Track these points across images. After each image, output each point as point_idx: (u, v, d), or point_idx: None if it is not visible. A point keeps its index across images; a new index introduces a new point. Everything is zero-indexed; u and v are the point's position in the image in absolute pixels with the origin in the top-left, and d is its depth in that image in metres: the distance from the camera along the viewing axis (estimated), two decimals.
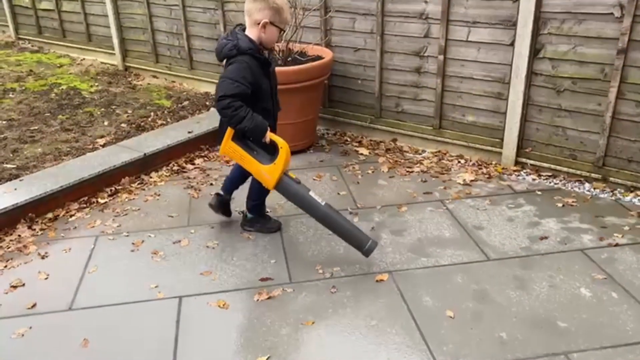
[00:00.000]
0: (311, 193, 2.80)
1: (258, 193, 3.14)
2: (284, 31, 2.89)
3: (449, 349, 2.33)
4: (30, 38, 7.49)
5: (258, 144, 2.79)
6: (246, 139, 2.77)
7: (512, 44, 3.65)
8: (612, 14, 3.26)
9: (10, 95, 5.44)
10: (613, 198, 3.48)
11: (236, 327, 2.49)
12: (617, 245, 3.00)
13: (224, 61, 2.77)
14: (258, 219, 3.25)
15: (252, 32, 2.74)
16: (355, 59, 4.41)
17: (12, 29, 7.65)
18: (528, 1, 3.47)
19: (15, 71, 6.26)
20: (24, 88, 5.66)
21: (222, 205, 3.27)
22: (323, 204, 2.78)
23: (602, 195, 3.52)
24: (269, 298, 2.66)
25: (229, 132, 2.74)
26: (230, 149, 2.77)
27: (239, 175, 3.20)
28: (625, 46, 3.26)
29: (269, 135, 2.75)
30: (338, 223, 2.81)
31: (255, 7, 2.70)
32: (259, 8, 2.68)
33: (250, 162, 2.77)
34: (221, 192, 3.26)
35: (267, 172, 2.74)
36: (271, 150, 2.77)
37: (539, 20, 3.51)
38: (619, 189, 3.54)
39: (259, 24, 2.69)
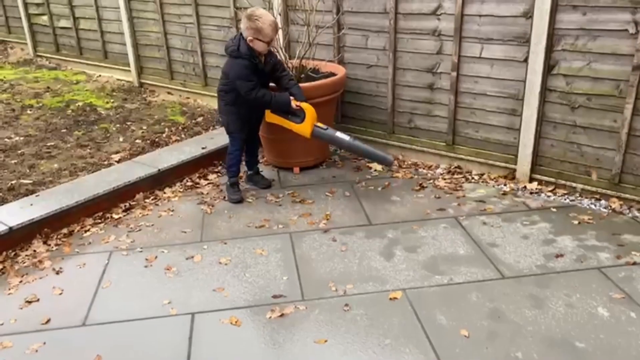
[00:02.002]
0: (337, 133, 3.73)
1: (229, 158, 3.83)
2: (271, 41, 3.52)
3: None
4: (48, 55, 7.63)
5: (288, 111, 3.71)
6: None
7: (525, 61, 3.65)
8: (626, 30, 3.25)
9: (28, 112, 5.53)
10: (630, 215, 3.44)
11: (248, 344, 2.48)
12: (635, 263, 2.95)
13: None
14: (229, 187, 3.85)
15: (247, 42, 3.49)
16: (368, 75, 4.43)
17: (30, 46, 7.81)
18: (541, 18, 3.47)
19: (33, 88, 6.38)
20: (41, 105, 5.75)
21: (248, 179, 4.07)
22: (347, 138, 3.71)
23: (618, 213, 3.47)
24: (281, 315, 2.65)
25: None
26: (272, 118, 3.77)
27: (247, 151, 3.99)
28: None
29: (294, 103, 3.63)
30: (361, 149, 3.79)
31: (243, 26, 3.47)
32: (245, 27, 3.45)
33: (287, 124, 3.72)
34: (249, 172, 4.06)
35: (302, 128, 3.67)
36: (300, 113, 3.67)
37: (552, 36, 3.50)
38: (636, 206, 3.49)
39: (249, 40, 3.45)
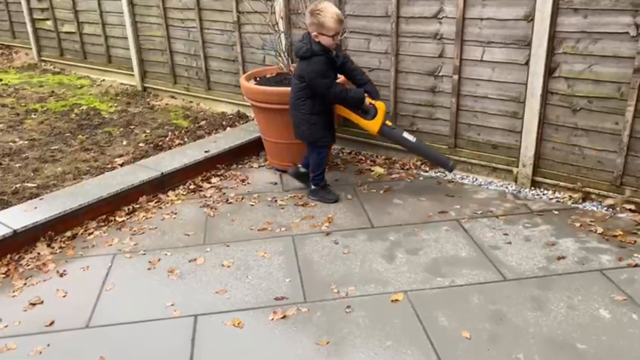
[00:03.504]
0: (404, 134, 3.78)
1: (316, 166, 3.80)
2: (337, 35, 3.45)
3: None
4: (53, 60, 7.68)
5: (361, 108, 3.71)
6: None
7: (526, 64, 3.66)
8: (627, 32, 3.26)
9: (33, 116, 5.57)
10: (632, 217, 3.44)
11: (251, 346, 2.49)
12: (636, 265, 2.96)
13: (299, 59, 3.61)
14: (319, 190, 3.82)
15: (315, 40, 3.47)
16: (371, 78, 4.43)
17: (35, 51, 7.86)
18: (542, 21, 3.48)
19: (37, 92, 6.42)
20: (45, 109, 5.79)
21: (297, 175, 3.98)
22: (413, 140, 3.78)
23: (620, 215, 3.48)
24: (283, 317, 2.66)
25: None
26: (343, 112, 3.76)
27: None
28: None
29: (368, 101, 3.65)
30: (424, 151, 3.88)
31: (307, 22, 3.48)
32: (309, 23, 3.45)
33: (356, 118, 3.73)
34: (299, 165, 3.97)
35: (371, 125, 3.70)
36: (371, 110, 3.69)
37: (553, 39, 3.51)
38: (637, 209, 3.49)
39: (314, 35, 3.44)
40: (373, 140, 4.57)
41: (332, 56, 3.51)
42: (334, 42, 3.48)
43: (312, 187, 3.84)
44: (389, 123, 3.75)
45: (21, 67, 7.71)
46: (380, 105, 3.69)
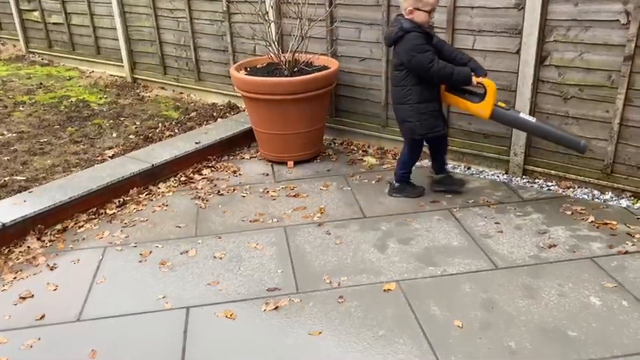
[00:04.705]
0: (521, 114, 3.32)
1: (405, 163, 3.66)
2: (433, 11, 3.27)
3: (458, 358, 2.31)
4: (40, 51, 7.59)
5: (465, 89, 3.40)
6: (456, 87, 3.40)
7: (518, 52, 3.65)
8: (618, 20, 3.25)
9: (21, 108, 5.51)
10: (622, 205, 3.46)
11: (243, 337, 2.49)
12: (627, 252, 2.98)
13: (392, 47, 3.40)
14: (405, 186, 3.68)
15: (407, 18, 3.26)
16: (361, 68, 4.43)
17: (22, 42, 7.76)
18: (533, 9, 3.47)
19: (25, 84, 6.34)
20: (34, 101, 5.73)
21: (438, 183, 3.75)
22: (533, 120, 3.31)
23: (611, 203, 3.49)
24: (275, 308, 2.65)
25: (443, 87, 3.41)
26: (449, 99, 3.45)
27: (433, 153, 3.73)
28: (632, 53, 3.24)
29: (475, 79, 3.27)
30: (550, 132, 3.34)
31: None
32: None
33: (463, 104, 3.38)
34: (434, 176, 3.78)
35: (480, 108, 3.31)
36: (479, 90, 3.32)
37: (544, 28, 3.51)
38: (628, 196, 3.51)
39: (408, 11, 3.22)
40: (365, 130, 4.56)
41: (427, 30, 3.27)
42: (429, 20, 3.28)
43: (396, 184, 3.68)
44: (501, 104, 3.34)
45: (8, 59, 7.61)
46: (488, 83, 3.27)
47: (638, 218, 3.30)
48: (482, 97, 3.30)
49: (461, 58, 3.39)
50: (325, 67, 4.23)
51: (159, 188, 3.93)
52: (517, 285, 2.75)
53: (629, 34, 3.22)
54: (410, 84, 3.34)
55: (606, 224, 3.25)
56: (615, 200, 3.52)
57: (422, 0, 3.20)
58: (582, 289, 2.71)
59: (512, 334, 2.43)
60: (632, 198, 3.49)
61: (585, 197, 3.59)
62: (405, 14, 3.27)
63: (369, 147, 4.54)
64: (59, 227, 3.43)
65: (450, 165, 4.14)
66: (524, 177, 3.88)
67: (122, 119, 5.20)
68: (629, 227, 3.21)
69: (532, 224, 3.30)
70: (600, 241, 3.09)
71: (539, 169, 3.83)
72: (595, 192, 3.61)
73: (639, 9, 3.15)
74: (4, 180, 3.85)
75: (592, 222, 3.28)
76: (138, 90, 6.11)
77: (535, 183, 3.80)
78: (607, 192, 3.58)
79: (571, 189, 3.68)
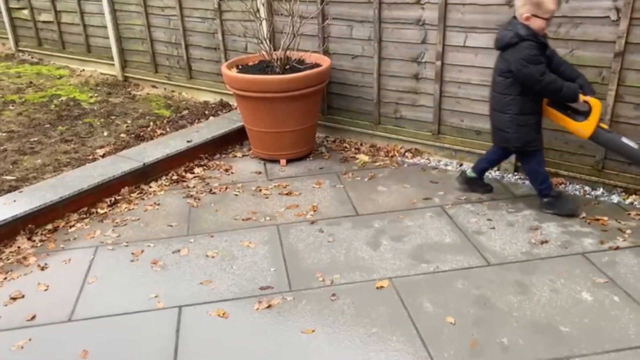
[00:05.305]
0: (623, 139, 3.16)
1: (534, 175, 3.39)
2: (551, 19, 3.09)
3: (450, 355, 2.31)
4: (30, 50, 7.52)
5: (573, 104, 3.21)
6: (559, 103, 3.24)
7: None
8: (608, 17, 3.27)
9: (10, 107, 5.46)
10: (613, 201, 3.47)
11: (236, 336, 2.48)
12: (618, 248, 2.99)
13: (501, 51, 3.21)
14: (553, 201, 3.37)
15: (522, 24, 3.07)
16: (353, 66, 4.42)
17: (12, 41, 7.68)
18: None
19: (15, 83, 6.29)
20: (23, 100, 5.68)
21: (465, 181, 3.66)
22: (636, 147, 3.14)
23: (602, 199, 3.51)
24: (268, 307, 2.65)
25: (545, 100, 3.25)
26: (550, 114, 3.28)
27: (495, 159, 3.58)
28: (622, 49, 3.26)
29: (582, 97, 3.11)
30: None
31: (518, 4, 3.07)
32: (521, 4, 3.04)
33: (563, 120, 3.24)
34: (467, 170, 3.67)
35: (582, 127, 3.17)
36: (584, 109, 3.17)
37: None
38: (619, 192, 3.53)
39: (525, 17, 3.03)
40: (357, 128, 4.56)
41: (543, 40, 3.08)
42: (546, 28, 3.09)
43: (544, 200, 3.39)
44: (603, 126, 3.19)
45: None
46: (595, 102, 3.11)
47: (629, 214, 3.32)
48: (586, 115, 3.14)
49: (571, 72, 3.20)
50: (317, 65, 4.22)
51: (150, 187, 3.91)
52: (509, 282, 2.76)
53: (620, 30, 3.24)
54: (514, 93, 3.16)
55: (597, 219, 3.26)
56: (606, 196, 3.53)
57: (543, 7, 2.99)
58: (573, 284, 2.72)
59: (504, 330, 2.44)
60: (623, 194, 3.52)
61: (577, 193, 3.60)
62: (520, 19, 3.07)
63: (361, 144, 4.53)
64: (49, 226, 3.40)
65: (442, 162, 4.15)
66: (515, 174, 3.89)
67: (113, 117, 5.17)
68: (620, 222, 3.23)
69: (524, 221, 3.31)
70: (592, 237, 3.10)
71: None
72: (587, 188, 3.63)
73: (629, 6, 3.17)
74: None
75: (583, 217, 3.29)
76: (129, 89, 6.07)
77: (527, 180, 3.81)
78: (598, 188, 3.59)
79: (563, 185, 3.70)
